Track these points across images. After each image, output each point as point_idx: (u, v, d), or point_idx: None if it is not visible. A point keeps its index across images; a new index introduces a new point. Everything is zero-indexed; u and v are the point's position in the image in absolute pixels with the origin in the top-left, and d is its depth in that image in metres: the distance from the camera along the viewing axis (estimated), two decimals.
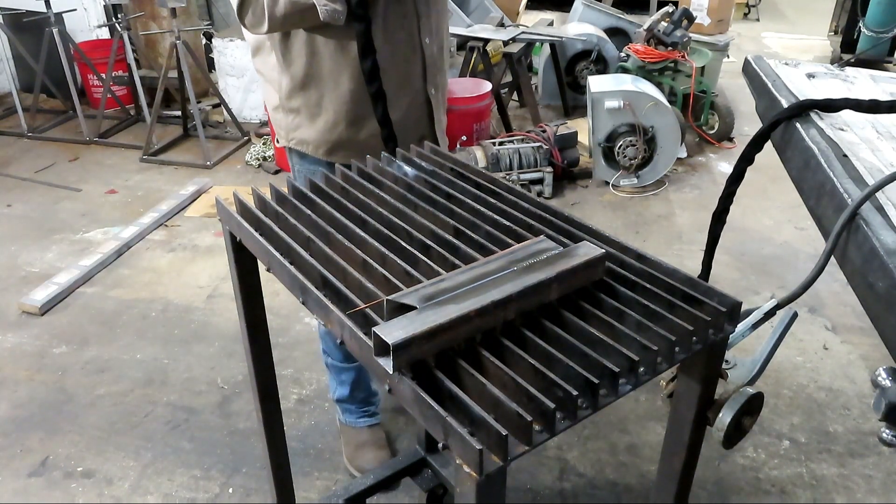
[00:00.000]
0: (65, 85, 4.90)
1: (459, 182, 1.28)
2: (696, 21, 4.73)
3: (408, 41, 1.65)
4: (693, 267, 1.34)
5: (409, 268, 1.01)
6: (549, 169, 4.01)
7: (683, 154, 4.52)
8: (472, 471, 0.74)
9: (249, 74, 4.96)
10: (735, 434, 0.99)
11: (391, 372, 0.81)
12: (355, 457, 2.19)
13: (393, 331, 0.81)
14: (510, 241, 1.08)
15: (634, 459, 2.27)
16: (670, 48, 4.51)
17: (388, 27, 1.59)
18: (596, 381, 0.81)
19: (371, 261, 1.02)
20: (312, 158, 1.74)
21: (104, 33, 5.39)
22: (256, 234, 1.13)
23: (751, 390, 0.99)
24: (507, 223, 1.13)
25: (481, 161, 3.95)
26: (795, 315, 1.11)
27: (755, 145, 1.42)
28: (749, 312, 1.12)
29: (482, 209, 1.17)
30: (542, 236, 1.05)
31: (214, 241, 3.58)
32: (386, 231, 1.11)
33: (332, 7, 1.46)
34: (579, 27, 5.21)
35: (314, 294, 0.97)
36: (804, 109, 1.46)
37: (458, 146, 4.17)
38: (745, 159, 1.42)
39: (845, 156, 1.28)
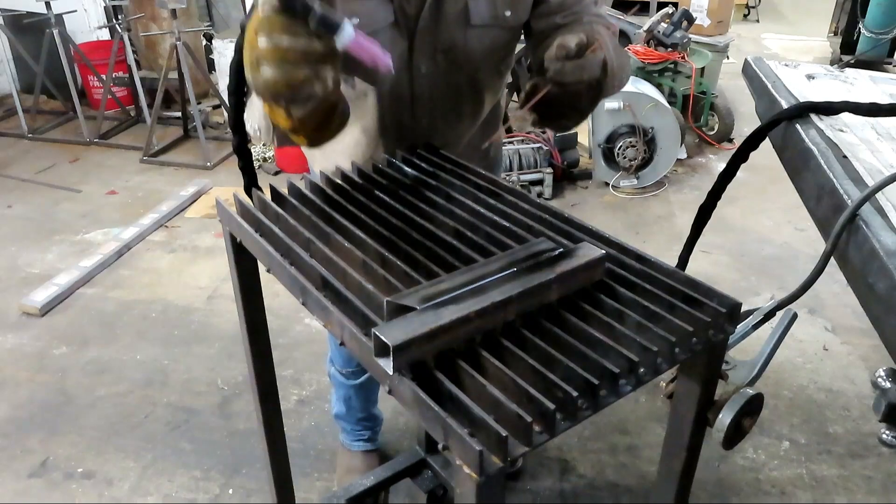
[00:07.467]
0: (65, 86, 4.90)
1: (459, 183, 1.27)
2: (695, 22, 4.73)
3: (398, 60, 1.34)
4: (693, 268, 1.34)
5: (408, 269, 1.01)
6: (549, 170, 4.01)
7: (683, 155, 4.52)
8: (472, 472, 0.73)
9: None
10: (735, 435, 0.99)
11: (391, 373, 0.81)
12: (343, 481, 2.10)
13: (393, 332, 0.81)
14: (510, 242, 1.08)
15: (634, 460, 2.27)
16: (670, 49, 4.51)
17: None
18: (596, 381, 0.81)
19: (371, 262, 1.02)
20: None
21: (104, 34, 5.39)
22: (256, 235, 1.13)
23: (751, 391, 0.99)
24: (507, 224, 1.13)
25: None
26: (795, 316, 1.11)
27: (751, 143, 1.41)
28: (749, 313, 1.12)
29: (482, 210, 1.17)
30: (542, 237, 1.05)
31: (214, 242, 3.58)
32: (386, 232, 1.10)
33: None
34: None
35: (314, 295, 0.97)
36: (803, 111, 1.46)
37: None
38: (740, 156, 1.42)
39: (845, 157, 1.28)
